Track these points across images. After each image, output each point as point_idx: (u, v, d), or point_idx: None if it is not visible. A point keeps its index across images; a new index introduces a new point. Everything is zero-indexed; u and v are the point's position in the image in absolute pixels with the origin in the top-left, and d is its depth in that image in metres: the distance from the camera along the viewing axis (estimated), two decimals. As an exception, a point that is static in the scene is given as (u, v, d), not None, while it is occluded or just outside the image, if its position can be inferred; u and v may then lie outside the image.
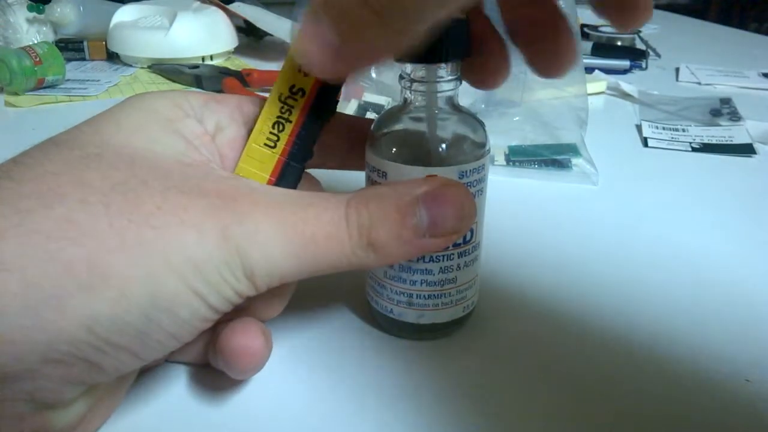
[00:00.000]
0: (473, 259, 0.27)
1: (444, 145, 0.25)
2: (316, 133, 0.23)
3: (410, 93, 0.25)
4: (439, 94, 0.25)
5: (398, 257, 0.22)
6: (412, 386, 0.25)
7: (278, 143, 0.23)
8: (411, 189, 0.22)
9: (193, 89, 0.66)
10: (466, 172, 0.25)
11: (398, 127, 0.26)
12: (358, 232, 0.21)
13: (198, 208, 0.19)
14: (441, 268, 0.26)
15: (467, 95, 0.51)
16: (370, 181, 0.26)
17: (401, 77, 0.25)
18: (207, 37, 0.73)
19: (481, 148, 0.25)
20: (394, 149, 0.25)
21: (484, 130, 0.26)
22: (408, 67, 0.25)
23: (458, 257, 0.26)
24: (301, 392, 0.25)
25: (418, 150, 0.25)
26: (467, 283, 0.27)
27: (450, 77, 0.25)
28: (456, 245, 0.26)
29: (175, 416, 0.23)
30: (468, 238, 0.26)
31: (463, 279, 0.27)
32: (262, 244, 0.19)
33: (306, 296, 0.31)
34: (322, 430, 0.23)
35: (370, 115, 0.51)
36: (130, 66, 0.72)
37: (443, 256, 0.26)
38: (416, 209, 0.21)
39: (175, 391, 0.25)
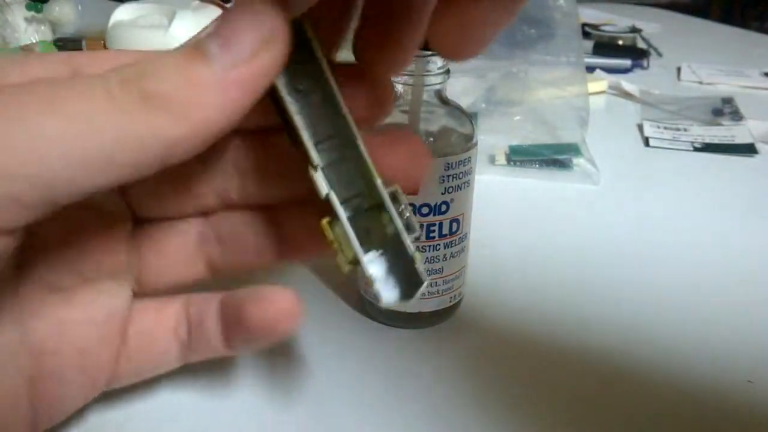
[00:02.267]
0: (460, 250, 0.27)
1: (431, 138, 0.26)
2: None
3: (400, 86, 0.26)
4: (427, 88, 0.25)
5: (204, 113, 0.16)
6: (400, 372, 0.26)
7: None
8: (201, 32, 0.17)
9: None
10: (452, 164, 0.25)
11: (388, 119, 0.26)
12: (121, 86, 0.16)
13: None
14: (427, 258, 0.26)
15: (468, 94, 0.51)
16: None
17: None
18: (206, 36, 0.73)
19: (468, 140, 0.26)
20: None
21: (472, 124, 0.27)
22: None
23: (444, 248, 0.27)
24: (292, 379, 0.25)
25: None
26: (454, 274, 0.28)
27: (438, 71, 0.25)
28: (442, 236, 0.26)
29: (164, 405, 0.24)
30: (455, 229, 0.26)
31: (449, 270, 0.27)
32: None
33: (298, 284, 0.31)
34: (313, 415, 0.24)
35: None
36: (129, 65, 0.72)
37: (429, 246, 0.26)
38: (205, 42, 0.17)
39: (165, 384, 0.24)
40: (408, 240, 0.19)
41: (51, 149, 0.15)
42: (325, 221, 0.19)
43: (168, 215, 0.22)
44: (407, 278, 0.19)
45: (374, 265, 0.19)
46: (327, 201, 0.19)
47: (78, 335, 0.20)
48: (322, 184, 0.19)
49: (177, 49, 0.17)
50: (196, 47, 0.16)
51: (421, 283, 0.19)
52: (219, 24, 0.17)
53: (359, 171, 0.19)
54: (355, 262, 0.19)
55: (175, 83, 0.16)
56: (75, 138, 0.15)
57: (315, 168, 0.18)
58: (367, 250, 0.19)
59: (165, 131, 0.16)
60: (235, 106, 0.16)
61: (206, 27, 0.17)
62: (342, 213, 0.19)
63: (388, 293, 0.19)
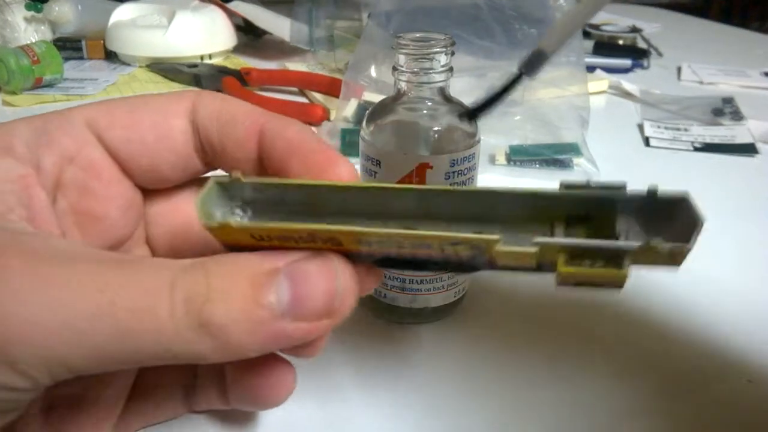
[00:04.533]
0: None
1: (435, 135, 0.26)
2: None
3: (404, 84, 0.26)
4: (430, 85, 0.26)
5: (244, 348, 0.16)
6: (405, 368, 0.26)
7: None
8: (272, 258, 0.16)
9: (192, 88, 0.66)
10: (457, 160, 0.25)
11: (392, 117, 0.27)
12: (186, 306, 0.15)
13: None
14: None
15: (468, 94, 0.51)
16: (365, 171, 0.27)
17: (395, 69, 0.26)
18: (206, 36, 0.73)
19: (471, 137, 0.26)
20: (388, 138, 0.26)
21: (475, 121, 0.27)
22: (401, 59, 0.25)
23: None
24: (297, 375, 0.25)
25: (411, 139, 0.26)
26: None
27: (441, 68, 0.25)
28: None
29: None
30: None
31: None
32: (24, 322, 0.14)
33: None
34: (317, 411, 0.24)
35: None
36: (129, 65, 0.72)
37: None
38: (276, 281, 0.16)
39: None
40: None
41: (83, 339, 0.15)
42: (564, 269, 0.16)
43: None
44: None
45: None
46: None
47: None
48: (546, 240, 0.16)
49: (248, 271, 0.16)
50: (266, 284, 0.16)
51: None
52: (296, 268, 0.16)
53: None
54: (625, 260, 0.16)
55: (236, 319, 0.15)
56: (116, 341, 0.15)
57: (533, 244, 0.16)
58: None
59: (204, 355, 0.16)
60: (274, 349, 0.17)
61: (283, 256, 0.17)
62: (585, 242, 0.16)
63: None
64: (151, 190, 0.22)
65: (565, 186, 0.16)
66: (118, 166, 0.20)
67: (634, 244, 0.15)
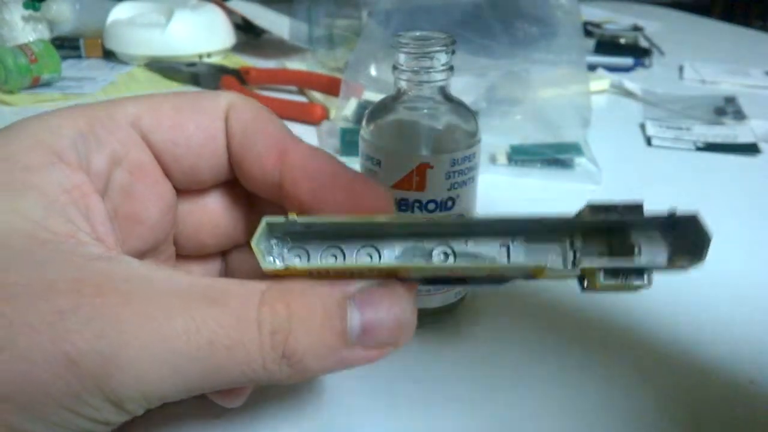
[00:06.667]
0: None
1: (436, 134, 0.26)
2: None
3: (404, 83, 0.26)
4: (431, 84, 0.25)
5: (313, 373, 0.17)
6: (405, 369, 0.26)
7: None
8: (341, 286, 0.17)
9: (191, 87, 0.65)
10: (458, 159, 0.25)
11: (392, 116, 0.27)
12: (272, 340, 0.16)
13: (29, 319, 0.14)
14: None
15: (469, 93, 0.51)
16: (365, 171, 0.26)
17: (395, 68, 0.26)
18: (204, 35, 0.72)
19: (472, 137, 0.26)
20: (388, 138, 0.26)
21: (476, 120, 0.27)
22: (401, 58, 0.25)
23: None
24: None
25: (411, 138, 0.26)
26: None
27: (442, 67, 0.25)
28: None
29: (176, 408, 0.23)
30: None
31: None
32: (130, 361, 0.15)
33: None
34: (318, 411, 0.24)
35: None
36: (127, 64, 0.71)
37: None
38: (347, 311, 0.17)
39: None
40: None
41: (183, 376, 0.16)
42: (600, 284, 0.18)
43: None
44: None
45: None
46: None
47: None
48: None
49: (322, 301, 0.17)
50: (339, 314, 0.17)
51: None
52: (366, 299, 0.17)
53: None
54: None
55: (312, 348, 0.17)
56: (210, 375, 0.16)
57: (541, 271, 0.18)
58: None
59: (279, 380, 0.17)
60: (336, 371, 0.18)
61: (350, 284, 0.17)
62: (604, 262, 0.18)
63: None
64: (181, 190, 0.22)
65: (590, 209, 0.18)
66: (161, 168, 0.20)
67: (662, 262, 0.18)
